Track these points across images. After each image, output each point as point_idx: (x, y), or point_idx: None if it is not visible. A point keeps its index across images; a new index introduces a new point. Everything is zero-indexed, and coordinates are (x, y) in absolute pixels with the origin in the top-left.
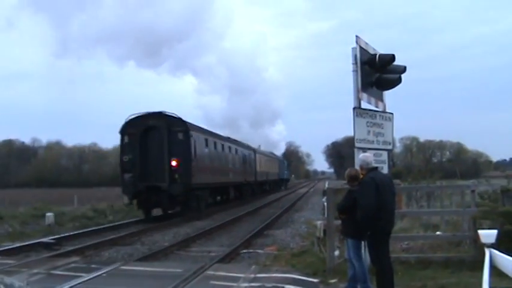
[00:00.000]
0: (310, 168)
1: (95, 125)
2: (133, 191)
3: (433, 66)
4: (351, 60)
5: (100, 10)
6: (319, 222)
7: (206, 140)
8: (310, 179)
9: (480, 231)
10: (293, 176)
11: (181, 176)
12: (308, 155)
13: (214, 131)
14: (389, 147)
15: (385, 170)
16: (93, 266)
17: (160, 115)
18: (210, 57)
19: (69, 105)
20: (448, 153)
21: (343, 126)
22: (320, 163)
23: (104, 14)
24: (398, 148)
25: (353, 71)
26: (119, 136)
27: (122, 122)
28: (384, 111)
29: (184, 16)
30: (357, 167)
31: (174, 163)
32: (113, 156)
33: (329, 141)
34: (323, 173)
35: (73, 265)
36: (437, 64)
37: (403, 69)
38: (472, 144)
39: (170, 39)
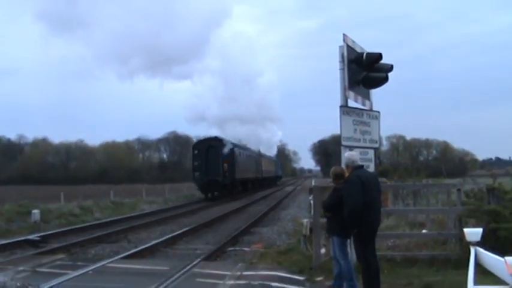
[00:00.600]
0: (297, 166)
1: (82, 122)
2: (201, 183)
3: (420, 65)
4: (338, 58)
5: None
6: (305, 220)
7: (240, 152)
8: (296, 176)
9: (466, 230)
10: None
11: (230, 172)
12: (295, 153)
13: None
14: (376, 145)
15: (371, 168)
16: (79, 263)
17: (217, 138)
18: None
19: (56, 101)
20: (434, 151)
21: (330, 125)
22: (307, 161)
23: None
24: (384, 146)
25: (340, 69)
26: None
27: (194, 141)
28: (371, 110)
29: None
30: (343, 165)
31: (225, 166)
32: (100, 153)
33: (316, 139)
34: (310, 171)
35: (59, 262)
36: (423, 63)
37: (390, 68)
38: (458, 143)
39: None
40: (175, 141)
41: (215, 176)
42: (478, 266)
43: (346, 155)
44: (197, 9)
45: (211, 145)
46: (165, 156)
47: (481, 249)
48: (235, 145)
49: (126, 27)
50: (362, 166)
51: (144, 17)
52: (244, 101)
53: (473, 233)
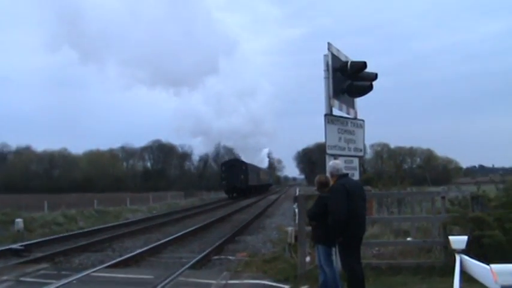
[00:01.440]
0: (281, 174)
1: (65, 131)
2: (227, 188)
3: (404, 74)
4: (322, 67)
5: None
6: (290, 229)
7: (250, 168)
8: (281, 185)
9: (451, 238)
10: None
11: (245, 181)
12: (279, 161)
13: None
14: (361, 153)
15: (356, 176)
16: (63, 272)
17: (237, 159)
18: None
19: (39, 109)
20: (418, 159)
21: (314, 133)
22: (291, 169)
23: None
24: (369, 154)
25: (325, 77)
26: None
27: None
28: (355, 118)
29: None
30: (328, 173)
31: (242, 176)
32: (83, 162)
33: (300, 148)
34: (294, 179)
35: (43, 272)
36: (408, 71)
37: (375, 77)
38: (442, 151)
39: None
40: (159, 150)
41: (236, 184)
42: (463, 273)
43: (331, 163)
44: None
45: (233, 164)
46: (149, 164)
47: (466, 257)
48: (247, 164)
49: (114, 35)
50: (347, 174)
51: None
52: (238, 115)
53: (459, 240)
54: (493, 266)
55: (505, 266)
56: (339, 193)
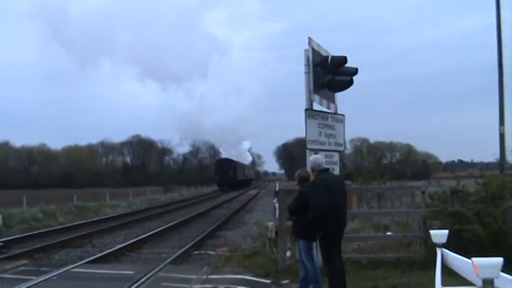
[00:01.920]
0: (261, 169)
1: (44, 126)
2: (219, 182)
3: (384, 69)
4: (303, 62)
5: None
6: (270, 224)
7: (238, 165)
8: (260, 180)
9: (432, 231)
10: None
11: (234, 176)
12: (259, 156)
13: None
14: (341, 148)
15: (336, 171)
16: (42, 268)
17: (227, 159)
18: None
19: (17, 104)
20: (398, 154)
21: (294, 128)
22: (271, 164)
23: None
24: (348, 149)
25: (305, 72)
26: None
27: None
28: (336, 113)
29: None
30: (308, 168)
31: (231, 172)
32: (62, 157)
33: (280, 143)
34: (274, 174)
35: (22, 268)
36: (388, 67)
37: (355, 71)
38: (421, 146)
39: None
40: (139, 145)
41: (227, 179)
42: (444, 267)
43: (312, 158)
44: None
45: (224, 162)
46: (128, 159)
47: (447, 251)
48: (235, 162)
49: (95, 29)
50: (328, 169)
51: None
52: (220, 111)
53: (439, 234)
54: (474, 259)
55: (487, 260)
56: (320, 188)
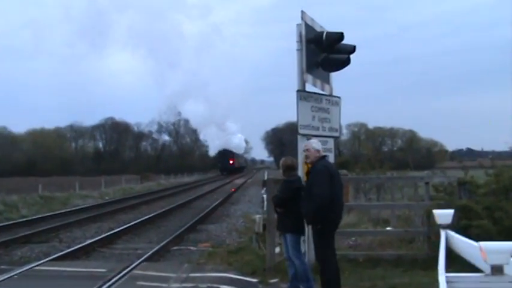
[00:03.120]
0: (248, 156)
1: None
2: (221, 168)
3: (385, 47)
4: (295, 38)
5: None
6: (258, 216)
7: (235, 154)
8: (247, 168)
9: (435, 211)
10: None
11: (234, 163)
12: (246, 142)
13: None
14: (336, 134)
15: (331, 159)
16: (2, 267)
17: (227, 150)
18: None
19: None
20: (399, 141)
21: (285, 111)
22: (259, 151)
23: None
24: (345, 135)
25: (297, 49)
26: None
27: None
28: (331, 95)
29: None
30: (300, 155)
31: (231, 161)
32: (26, 142)
33: (269, 127)
34: (262, 162)
35: None
36: (389, 44)
37: (352, 49)
38: (426, 132)
39: None
40: (113, 129)
41: (227, 166)
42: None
43: (312, 143)
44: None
45: (226, 153)
46: (101, 145)
47: (452, 233)
48: (233, 152)
49: None
50: (325, 156)
51: None
52: (207, 93)
53: (444, 215)
54: (482, 243)
55: (496, 244)
56: (323, 175)
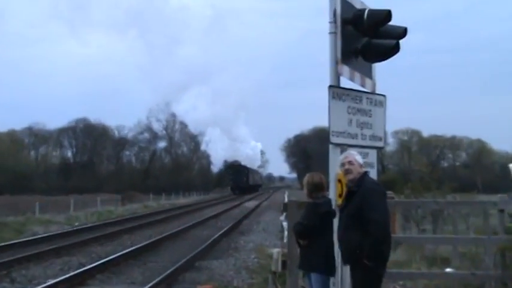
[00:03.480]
0: (263, 171)
1: None
2: (232, 186)
3: (446, 29)
4: (327, 17)
5: None
6: (275, 251)
7: (250, 171)
8: (262, 187)
9: None
10: None
11: (247, 181)
12: (262, 153)
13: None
14: (380, 143)
15: (373, 175)
16: None
17: (241, 164)
18: None
19: None
20: (464, 155)
21: (311, 114)
22: (277, 165)
23: None
24: (390, 145)
25: (330, 33)
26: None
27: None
28: (373, 93)
29: None
30: (332, 171)
31: (244, 178)
32: None
33: (291, 134)
34: (281, 178)
35: None
36: (451, 25)
37: (403, 32)
38: (500, 143)
39: None
40: (86, 133)
41: (240, 183)
42: None
43: (354, 154)
44: None
45: (238, 169)
46: (69, 154)
47: None
48: (248, 168)
49: None
50: (367, 172)
51: None
52: (210, 92)
53: None
54: None
55: None
56: (380, 196)
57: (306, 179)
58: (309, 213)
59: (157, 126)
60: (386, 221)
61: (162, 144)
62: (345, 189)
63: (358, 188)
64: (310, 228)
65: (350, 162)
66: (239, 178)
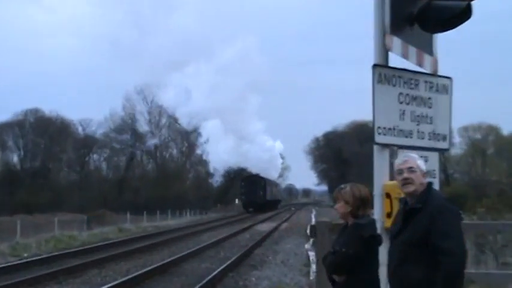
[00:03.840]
0: (282, 182)
1: None
2: (245, 202)
3: None
4: None
5: None
6: None
7: (268, 183)
8: (281, 203)
9: None
10: None
11: (264, 196)
12: (281, 158)
13: None
14: (445, 144)
15: (435, 185)
16: None
17: (258, 175)
18: None
19: None
20: None
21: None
22: (300, 173)
23: None
24: (456, 147)
25: None
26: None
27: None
28: (435, 74)
29: None
30: (378, 179)
31: (261, 192)
32: None
33: (319, 132)
34: (306, 192)
35: None
36: None
37: None
38: None
39: None
40: (39, 129)
41: (255, 198)
42: None
43: (415, 158)
44: None
45: (253, 180)
46: (15, 158)
47: None
48: (265, 179)
49: None
50: (431, 183)
51: None
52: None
53: None
54: None
55: None
56: (456, 218)
57: (349, 190)
58: (352, 238)
59: (137, 121)
60: (463, 251)
61: (143, 144)
62: (396, 206)
63: (422, 206)
64: (351, 259)
65: (410, 169)
66: (254, 192)
